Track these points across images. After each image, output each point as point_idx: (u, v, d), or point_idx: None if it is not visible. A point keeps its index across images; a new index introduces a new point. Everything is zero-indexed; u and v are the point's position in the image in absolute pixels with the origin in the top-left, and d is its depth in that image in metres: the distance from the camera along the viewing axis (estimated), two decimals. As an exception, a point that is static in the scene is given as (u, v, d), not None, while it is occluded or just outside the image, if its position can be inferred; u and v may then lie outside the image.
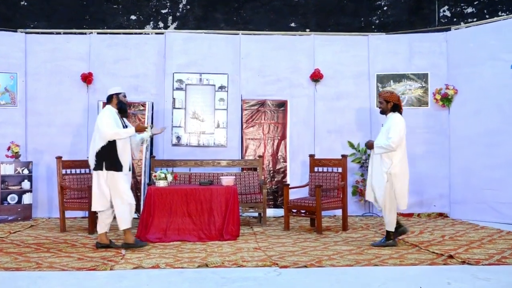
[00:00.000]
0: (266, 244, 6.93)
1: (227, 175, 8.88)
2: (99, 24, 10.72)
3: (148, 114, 9.72)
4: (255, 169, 9.45)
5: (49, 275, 5.30)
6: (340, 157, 8.52)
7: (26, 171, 9.24)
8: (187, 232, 7.33)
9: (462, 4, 10.85)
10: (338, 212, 9.04)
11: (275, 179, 10.13)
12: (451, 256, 5.97)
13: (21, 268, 5.53)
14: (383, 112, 6.95)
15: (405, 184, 6.76)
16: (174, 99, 9.92)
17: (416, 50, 10.02)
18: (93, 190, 6.67)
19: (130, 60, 10.02)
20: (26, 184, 9.23)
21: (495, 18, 9.68)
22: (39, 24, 10.64)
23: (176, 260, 5.93)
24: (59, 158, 8.43)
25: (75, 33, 10.26)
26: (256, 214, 9.28)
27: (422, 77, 9.95)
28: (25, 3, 10.81)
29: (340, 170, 8.46)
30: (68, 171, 8.56)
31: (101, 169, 6.52)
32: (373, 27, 11.04)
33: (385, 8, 11.06)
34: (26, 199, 9.22)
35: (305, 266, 5.60)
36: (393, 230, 6.79)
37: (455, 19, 10.77)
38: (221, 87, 10.00)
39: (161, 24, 10.90)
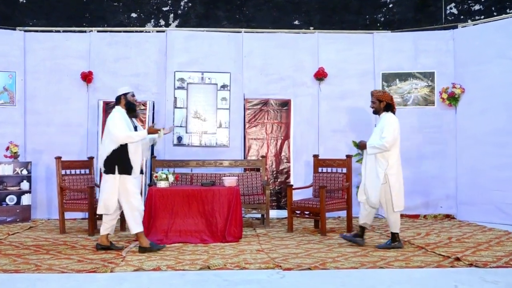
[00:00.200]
0: (269, 246, 6.92)
1: (229, 176, 8.88)
2: (99, 22, 10.72)
3: (149, 113, 9.73)
4: (258, 170, 9.44)
5: (48, 277, 5.30)
6: (345, 158, 8.51)
7: (25, 172, 9.25)
8: (189, 234, 7.33)
9: (469, 1, 10.82)
10: (343, 214, 9.01)
11: (278, 180, 10.13)
12: (458, 259, 5.96)
13: (20, 270, 5.53)
14: (376, 112, 6.99)
15: (401, 184, 6.80)
16: (175, 98, 9.92)
17: (422, 48, 10.01)
18: (102, 193, 6.62)
19: (131, 59, 10.03)
20: (25, 185, 9.23)
21: (503, 16, 9.66)
22: (38, 22, 10.65)
23: (177, 262, 5.93)
24: (58, 158, 8.44)
25: (74, 31, 10.26)
26: (259, 216, 9.27)
27: (429, 76, 9.94)
28: (24, 1, 10.82)
29: (344, 170, 8.46)
30: (68, 171, 8.56)
31: (114, 173, 6.48)
32: (378, 24, 11.02)
33: (390, 6, 11.04)
34: (25, 200, 9.22)
35: (309, 269, 5.60)
36: (398, 231, 6.79)
37: (462, 17, 10.75)
38: (223, 86, 10.00)
39: (162, 22, 10.90)
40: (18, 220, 9.10)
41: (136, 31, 10.43)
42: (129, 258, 6.13)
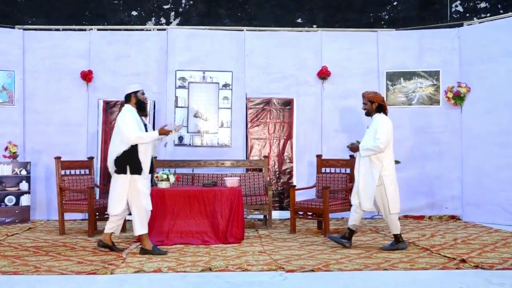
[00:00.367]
0: (271, 248, 6.92)
1: (231, 176, 8.87)
2: (99, 20, 10.73)
3: (150, 113, 9.73)
4: (260, 170, 9.44)
5: (48, 279, 5.31)
6: (349, 158, 8.51)
7: (24, 172, 9.26)
8: (190, 235, 7.33)
9: (475, -1, 10.82)
10: (346, 215, 8.98)
11: (281, 180, 10.12)
12: (463, 260, 5.95)
13: (19, 272, 5.54)
14: (368, 113, 7.00)
15: (396, 186, 6.83)
16: (176, 97, 9.92)
17: (427, 47, 10.00)
18: (112, 193, 6.58)
19: (131, 57, 10.04)
20: (24, 185, 9.24)
21: (509, 14, 9.62)
22: (37, 21, 10.66)
23: (178, 263, 5.93)
24: (58, 158, 8.44)
25: (74, 30, 10.27)
26: (261, 217, 9.28)
27: (434, 75, 9.93)
28: (23, -1, 10.84)
29: (348, 171, 8.45)
30: (68, 171, 8.57)
31: (125, 173, 6.46)
32: (382, 22, 11.01)
33: (394, 3, 11.03)
34: (24, 200, 9.23)
35: (312, 270, 5.59)
36: (399, 232, 6.79)
37: (467, 15, 10.73)
38: (225, 85, 10.01)
39: (163, 20, 10.90)
40: (17, 221, 9.11)
41: (137, 30, 10.44)
42: (129, 260, 6.14)
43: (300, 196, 8.73)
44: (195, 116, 9.93)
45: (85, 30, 10.20)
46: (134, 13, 10.91)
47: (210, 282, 5.17)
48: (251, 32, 10.24)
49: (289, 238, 7.75)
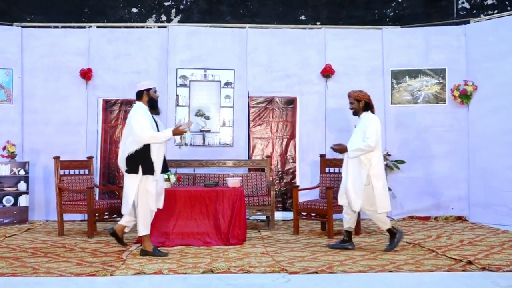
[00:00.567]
0: (274, 249, 6.92)
1: (233, 176, 8.88)
2: (98, 17, 10.74)
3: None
4: (262, 170, 9.44)
5: (47, 281, 5.31)
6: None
7: (22, 172, 9.28)
8: (191, 236, 7.33)
9: (481, -4, 10.81)
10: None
11: (284, 181, 10.13)
12: (470, 262, 5.94)
13: (17, 274, 5.54)
14: (356, 113, 7.06)
15: (385, 185, 6.86)
16: (177, 96, 9.93)
17: (433, 44, 10.00)
18: (126, 193, 6.52)
19: (131, 55, 10.05)
20: (22, 186, 9.26)
21: (517, 10, 9.65)
22: (36, 18, 10.67)
23: (179, 265, 5.94)
24: (56, 158, 8.45)
25: (73, 27, 10.29)
26: (263, 217, 9.28)
27: (440, 73, 9.92)
28: (21, -4, 10.85)
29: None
30: (67, 171, 8.58)
31: (137, 173, 6.40)
32: (387, 20, 11.00)
33: (400, 0, 11.02)
34: (23, 201, 9.25)
35: (316, 272, 5.59)
36: (390, 226, 6.87)
37: (474, 11, 10.72)
38: (227, 84, 10.01)
39: (164, 17, 10.91)
40: (15, 222, 9.13)
41: (137, 27, 10.46)
42: (129, 261, 6.14)
43: (303, 197, 8.73)
44: (197, 115, 9.93)
45: (84, 27, 10.22)
46: (134, 10, 10.91)
47: (212, 284, 5.17)
48: (254, 30, 10.24)
49: (292, 239, 7.75)
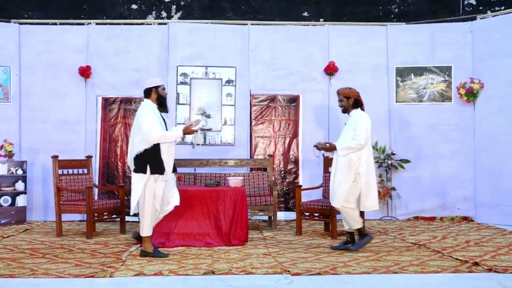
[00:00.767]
0: (276, 250, 6.92)
1: (234, 176, 8.89)
2: (98, 14, 10.74)
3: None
4: (265, 169, 9.44)
5: (45, 283, 5.32)
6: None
7: (20, 171, 9.29)
8: (192, 237, 7.33)
9: (488, -9, 10.80)
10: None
11: (287, 180, 10.13)
12: (476, 263, 5.94)
13: (15, 275, 5.55)
14: (345, 110, 7.09)
15: (372, 182, 6.89)
16: (178, 94, 9.93)
17: (439, 41, 9.99)
18: (135, 192, 6.48)
19: (131, 53, 10.06)
20: (20, 185, 9.27)
21: (525, 6, 9.64)
22: (33, 14, 10.67)
23: (180, 266, 5.94)
24: (55, 157, 8.45)
25: (72, 24, 10.29)
26: (266, 218, 9.28)
27: (445, 70, 9.91)
28: (19, -8, 10.86)
29: (356, 170, 8.44)
30: (65, 171, 8.58)
31: (145, 172, 6.37)
32: (392, 16, 10.99)
33: (405, -4, 11.02)
34: (20, 201, 9.26)
35: (319, 274, 5.59)
36: (361, 226, 6.92)
37: (481, 8, 10.70)
38: (229, 81, 10.01)
39: (164, 14, 10.90)
40: (12, 222, 9.13)
41: (137, 24, 10.45)
42: (129, 262, 6.14)
43: (306, 197, 8.73)
44: (197, 113, 9.93)
45: (83, 24, 10.22)
46: (134, 6, 10.91)
47: (213, 286, 5.17)
48: (256, 26, 10.24)
49: (295, 240, 7.76)
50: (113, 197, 9.50)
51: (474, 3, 10.75)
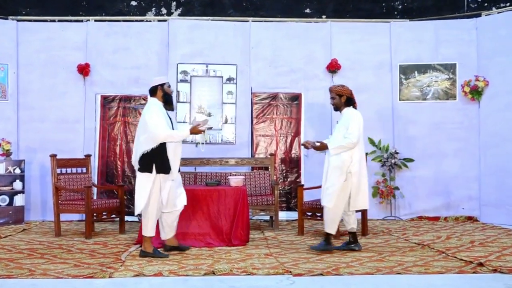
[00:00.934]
0: (278, 250, 6.92)
1: (235, 175, 8.88)
2: (96, 11, 10.74)
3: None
4: (266, 169, 9.44)
5: (43, 283, 5.32)
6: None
7: (18, 171, 9.29)
8: (192, 237, 7.33)
9: (493, -13, 10.78)
10: (357, 216, 8.99)
11: (288, 179, 10.13)
12: (481, 264, 5.93)
13: (13, 276, 5.55)
14: (337, 108, 7.11)
15: (363, 181, 6.90)
16: (178, 92, 9.93)
17: (443, 38, 9.98)
18: (138, 192, 6.48)
19: (131, 50, 10.06)
20: (18, 185, 9.27)
21: (530, 3, 9.63)
22: (31, 11, 10.68)
23: (180, 267, 5.94)
24: (53, 156, 8.46)
25: (70, 21, 10.30)
26: (267, 218, 9.28)
27: (450, 68, 9.90)
28: (17, -12, 10.86)
29: (359, 169, 8.43)
30: (64, 170, 8.59)
31: (150, 172, 6.37)
32: (395, 13, 10.99)
33: (408, -8, 11.01)
34: (18, 200, 9.26)
35: (321, 274, 5.59)
36: (334, 233, 6.92)
37: (485, 4, 10.69)
38: (229, 79, 10.01)
39: (164, 11, 10.91)
40: (10, 222, 9.14)
41: (136, 21, 10.46)
42: (128, 263, 6.14)
43: (308, 196, 8.72)
44: (198, 112, 9.93)
45: (81, 21, 10.22)
46: (134, 3, 10.91)
47: (214, 287, 5.18)
48: (257, 23, 10.23)
49: (297, 240, 7.76)
50: (112, 197, 9.51)
51: (479, -1, 10.75)
